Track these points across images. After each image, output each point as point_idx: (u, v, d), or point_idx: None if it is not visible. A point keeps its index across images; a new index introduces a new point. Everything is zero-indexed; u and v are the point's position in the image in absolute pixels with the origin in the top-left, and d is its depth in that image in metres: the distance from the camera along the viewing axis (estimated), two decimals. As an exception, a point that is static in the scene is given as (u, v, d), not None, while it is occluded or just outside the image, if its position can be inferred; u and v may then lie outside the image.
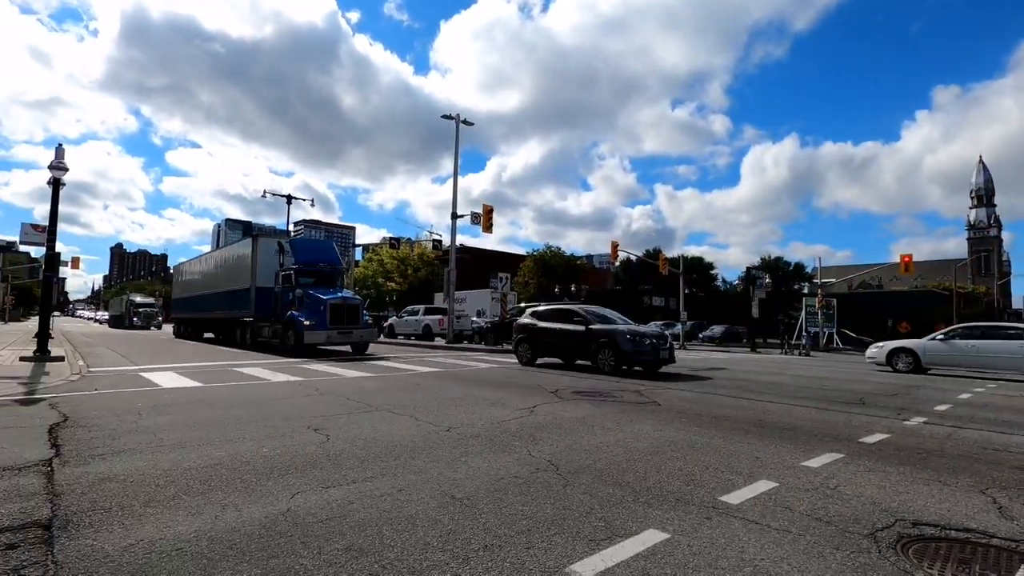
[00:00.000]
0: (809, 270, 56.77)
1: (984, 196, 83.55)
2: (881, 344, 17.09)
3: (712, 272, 62.05)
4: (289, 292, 17.10)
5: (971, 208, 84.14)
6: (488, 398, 8.10)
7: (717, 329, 40.01)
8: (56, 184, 13.33)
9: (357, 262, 48.12)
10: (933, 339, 15.68)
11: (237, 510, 3.23)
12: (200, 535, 2.85)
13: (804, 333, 33.12)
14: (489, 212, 25.08)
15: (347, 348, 17.33)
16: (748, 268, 44.77)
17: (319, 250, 19.27)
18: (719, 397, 8.89)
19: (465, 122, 27.09)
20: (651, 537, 2.94)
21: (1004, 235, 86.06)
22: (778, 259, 63.12)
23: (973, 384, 12.70)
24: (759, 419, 6.86)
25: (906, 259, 31.61)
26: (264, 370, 11.61)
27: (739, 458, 4.77)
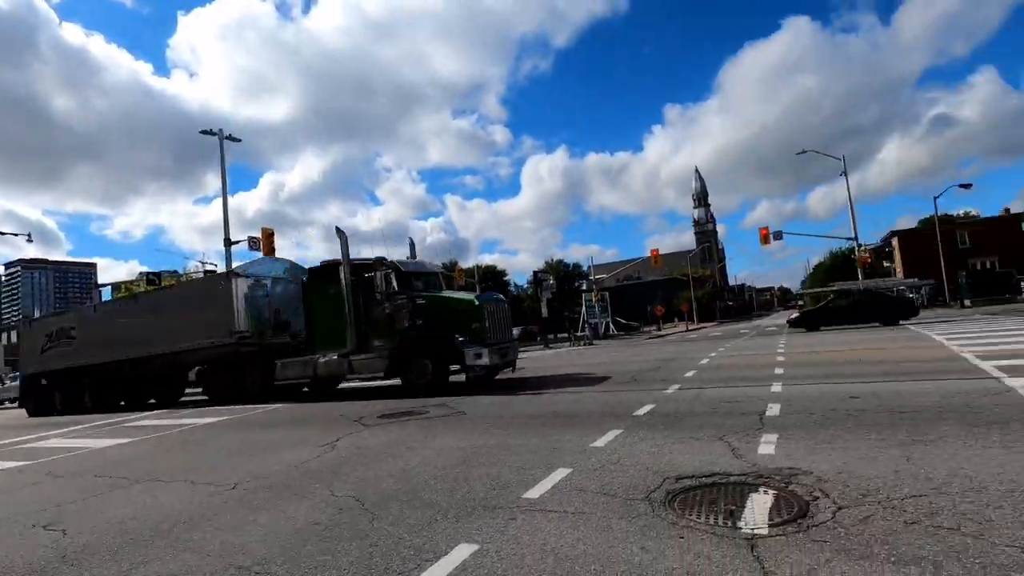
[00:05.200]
0: (585, 269, 64.13)
1: (701, 198, 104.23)
2: None
3: (506, 279, 66.20)
4: None
5: (694, 208, 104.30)
6: (284, 439, 7.32)
7: (514, 331, 42.81)
8: None
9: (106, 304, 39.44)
10: None
11: (-95, 671, 2.32)
12: None
13: (586, 325, 37.43)
14: (269, 236, 22.93)
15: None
16: (535, 272, 48.68)
17: None
18: (521, 397, 9.43)
19: (231, 138, 24.45)
20: (461, 553, 2.92)
21: (719, 228, 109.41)
22: (560, 261, 70.10)
23: (710, 350, 15.70)
24: (553, 411, 7.43)
25: (654, 253, 38.13)
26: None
27: (539, 452, 5.07)
